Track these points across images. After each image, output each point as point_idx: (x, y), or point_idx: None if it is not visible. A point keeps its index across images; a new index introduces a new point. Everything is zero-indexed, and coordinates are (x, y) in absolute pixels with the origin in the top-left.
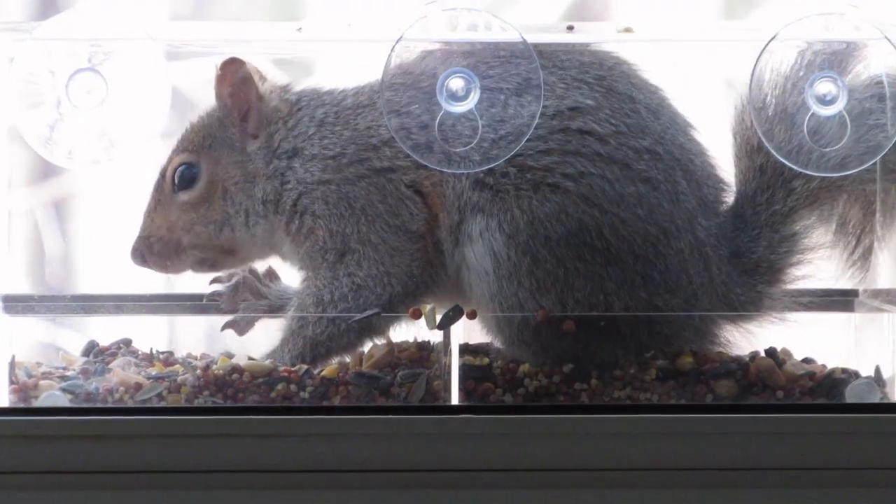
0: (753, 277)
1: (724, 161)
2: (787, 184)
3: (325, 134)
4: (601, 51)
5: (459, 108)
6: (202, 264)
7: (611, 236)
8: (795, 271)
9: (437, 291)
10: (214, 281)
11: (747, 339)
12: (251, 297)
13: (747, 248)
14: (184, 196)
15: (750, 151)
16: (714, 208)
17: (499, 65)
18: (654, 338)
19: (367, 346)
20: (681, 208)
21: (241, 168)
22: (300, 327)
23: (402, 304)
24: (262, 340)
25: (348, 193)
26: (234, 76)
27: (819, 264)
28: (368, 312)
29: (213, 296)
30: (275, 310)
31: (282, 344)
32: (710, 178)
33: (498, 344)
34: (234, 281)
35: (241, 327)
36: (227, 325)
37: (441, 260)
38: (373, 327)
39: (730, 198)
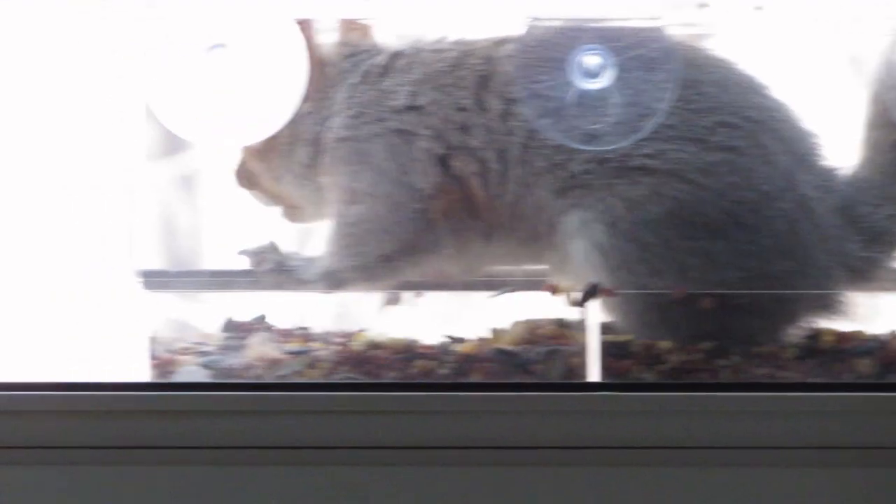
0: (871, 243)
1: (815, 115)
2: None
3: (353, 94)
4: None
5: (593, 85)
6: (284, 211)
7: (710, 209)
8: None
9: (434, 263)
10: (242, 252)
11: (880, 309)
12: (273, 256)
13: (869, 214)
14: (256, 143)
15: (887, 123)
16: (810, 161)
17: (633, 44)
18: (776, 307)
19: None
20: (775, 168)
21: (292, 129)
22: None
23: (395, 262)
24: (400, 318)
25: (363, 150)
26: (305, 37)
27: None
28: (507, 289)
29: (242, 252)
30: (288, 270)
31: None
32: (799, 133)
33: (628, 326)
34: (260, 245)
35: (394, 301)
36: (384, 304)
37: (452, 237)
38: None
39: (825, 149)
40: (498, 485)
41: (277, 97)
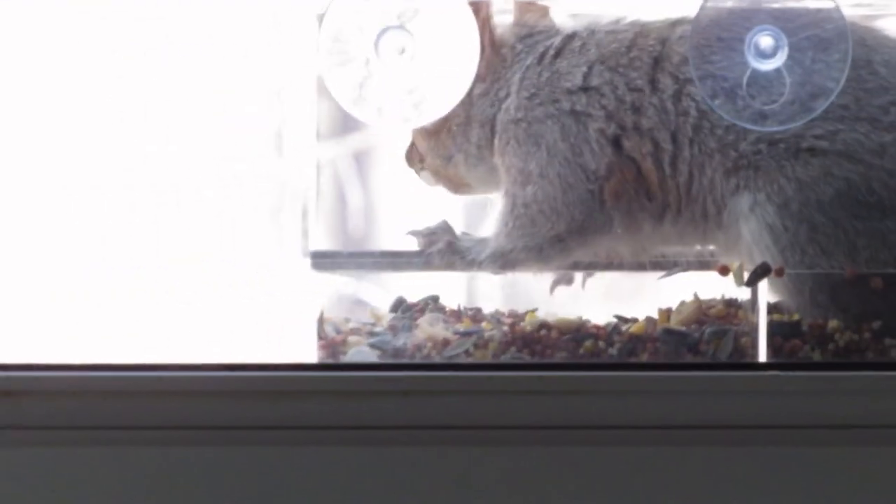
0: None
1: None
2: None
3: (527, 76)
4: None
5: (767, 65)
6: (447, 186)
7: (881, 189)
8: None
9: (604, 244)
10: (411, 233)
11: None
12: (444, 236)
13: None
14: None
15: None
16: None
17: (807, 23)
18: None
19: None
20: None
21: (466, 110)
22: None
23: (566, 242)
24: (568, 301)
25: (537, 132)
26: (480, 20)
27: None
28: (676, 269)
29: (411, 233)
30: (459, 251)
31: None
32: None
33: (797, 306)
34: (430, 227)
35: (567, 281)
36: (555, 284)
37: (623, 218)
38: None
39: None
40: (668, 466)
41: (451, 78)
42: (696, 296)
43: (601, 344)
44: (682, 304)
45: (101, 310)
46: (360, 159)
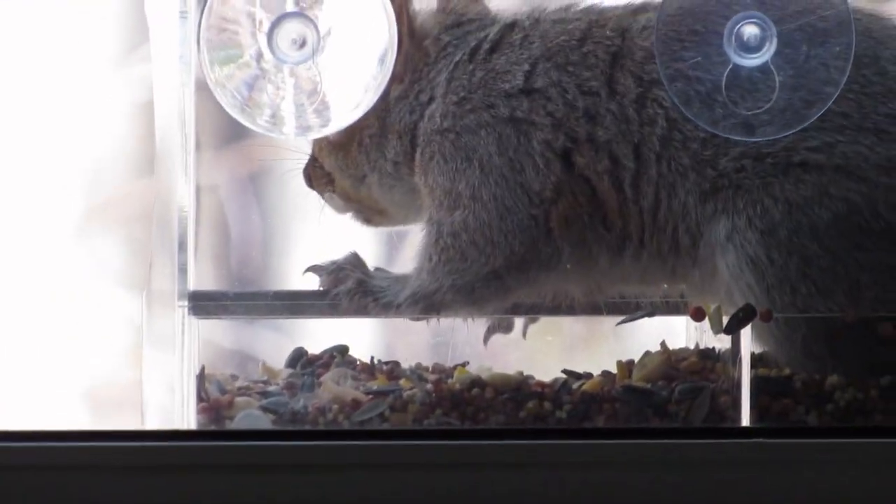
0: None
1: None
2: None
3: (456, 75)
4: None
5: (752, 60)
6: (358, 216)
7: (888, 213)
8: None
9: (551, 282)
10: (311, 269)
11: None
12: (354, 273)
13: None
14: (332, 135)
15: None
16: None
17: (800, 10)
18: None
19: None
20: None
21: (380, 118)
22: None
23: (504, 280)
24: (508, 351)
25: (467, 144)
26: (397, 5)
27: None
28: (639, 314)
29: (313, 269)
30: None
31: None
32: None
33: (787, 358)
34: (336, 261)
35: (504, 328)
36: (490, 332)
37: (574, 250)
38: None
39: None
40: None
41: (361, 78)
42: (663, 345)
43: (547, 405)
44: (647, 355)
45: None
46: (252, 179)
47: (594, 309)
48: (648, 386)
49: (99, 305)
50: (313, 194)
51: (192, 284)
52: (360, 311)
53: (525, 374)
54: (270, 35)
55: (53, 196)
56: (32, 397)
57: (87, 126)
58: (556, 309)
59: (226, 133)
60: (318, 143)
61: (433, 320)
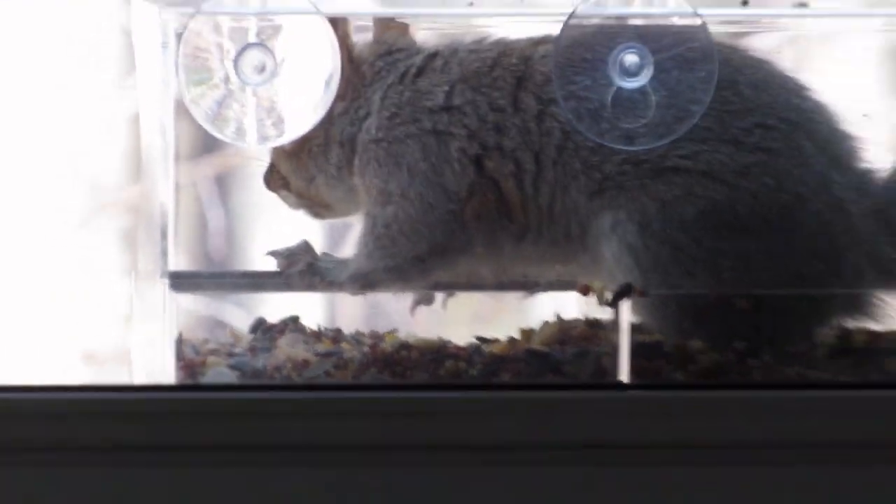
0: None
1: (854, 116)
2: None
3: (388, 94)
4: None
5: (632, 83)
6: (308, 211)
7: (743, 210)
8: None
9: (465, 264)
10: (270, 253)
11: None
12: (305, 257)
13: None
14: (286, 144)
15: None
16: (847, 163)
17: (672, 41)
18: (808, 308)
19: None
20: (810, 170)
21: (325, 130)
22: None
23: (427, 263)
24: (429, 319)
25: (398, 152)
26: (339, 36)
27: None
28: (537, 290)
29: (271, 253)
30: (320, 272)
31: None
32: (836, 135)
33: (659, 327)
34: (289, 247)
35: (427, 301)
36: (416, 304)
37: (484, 239)
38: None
39: (864, 151)
40: (525, 485)
41: (310, 97)
42: (558, 316)
43: (462, 364)
44: (545, 324)
45: None
46: (221, 180)
47: (501, 286)
48: (546, 349)
49: (99, 282)
50: (271, 193)
51: (172, 266)
52: (309, 288)
53: (444, 339)
54: (236, 62)
55: (64, 193)
56: (43, 356)
57: (91, 136)
58: (469, 286)
59: (200, 143)
60: (275, 151)
61: (369, 295)
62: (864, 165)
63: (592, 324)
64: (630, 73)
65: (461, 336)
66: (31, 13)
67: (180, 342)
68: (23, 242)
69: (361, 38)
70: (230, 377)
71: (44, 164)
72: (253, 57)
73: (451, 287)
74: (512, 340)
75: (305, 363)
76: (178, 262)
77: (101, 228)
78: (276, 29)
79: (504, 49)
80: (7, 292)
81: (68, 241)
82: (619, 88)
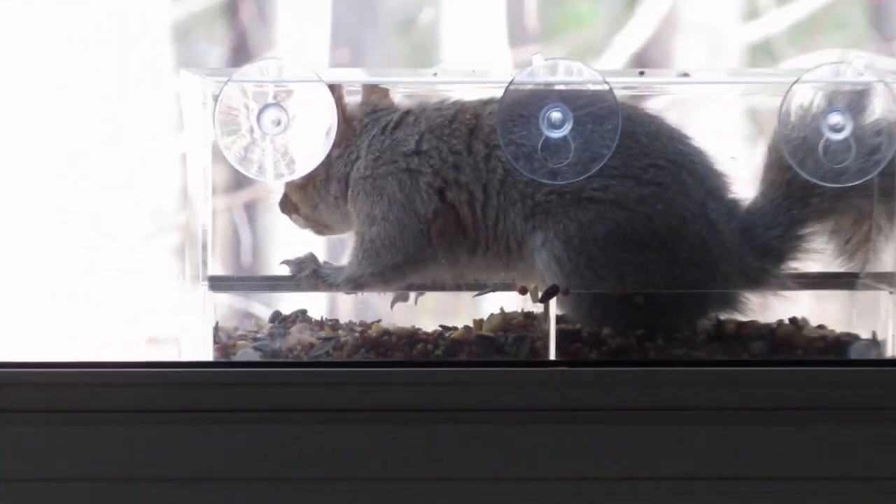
0: (762, 257)
1: (724, 158)
2: (807, 198)
3: (373, 143)
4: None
5: (557, 134)
6: (313, 230)
7: (641, 229)
8: (794, 260)
9: (432, 271)
10: (284, 262)
11: (768, 305)
12: (310, 265)
13: (761, 234)
14: (296, 179)
15: (780, 167)
16: (720, 194)
17: (587, 102)
18: (691, 303)
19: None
20: (691, 199)
21: (326, 169)
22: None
23: (403, 269)
24: (404, 312)
25: (380, 185)
26: (336, 99)
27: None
28: (486, 290)
29: (285, 262)
30: (322, 276)
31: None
32: (711, 172)
33: (578, 318)
34: (299, 257)
35: (403, 298)
36: (394, 301)
37: (445, 251)
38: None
39: (732, 184)
40: (477, 441)
41: (314, 144)
42: (502, 310)
43: (430, 347)
44: (492, 316)
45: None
46: (249, 207)
47: (459, 287)
48: (493, 335)
49: (159, 284)
50: (285, 216)
51: (211, 272)
52: (314, 289)
53: (416, 327)
54: (258, 117)
55: (134, 217)
56: (118, 340)
57: (153, 174)
58: (435, 287)
59: (232, 179)
60: (288, 185)
61: (360, 294)
62: (732, 196)
63: (528, 315)
64: (555, 125)
65: (429, 325)
66: (109, 83)
67: (217, 329)
68: (104, 256)
69: (352, 99)
70: (254, 356)
71: (119, 196)
72: (271, 114)
73: (421, 288)
74: (467, 328)
75: (311, 346)
76: (216, 268)
77: (161, 244)
78: (289, 93)
79: (460, 108)
80: (93, 292)
81: (137, 254)
82: (547, 137)
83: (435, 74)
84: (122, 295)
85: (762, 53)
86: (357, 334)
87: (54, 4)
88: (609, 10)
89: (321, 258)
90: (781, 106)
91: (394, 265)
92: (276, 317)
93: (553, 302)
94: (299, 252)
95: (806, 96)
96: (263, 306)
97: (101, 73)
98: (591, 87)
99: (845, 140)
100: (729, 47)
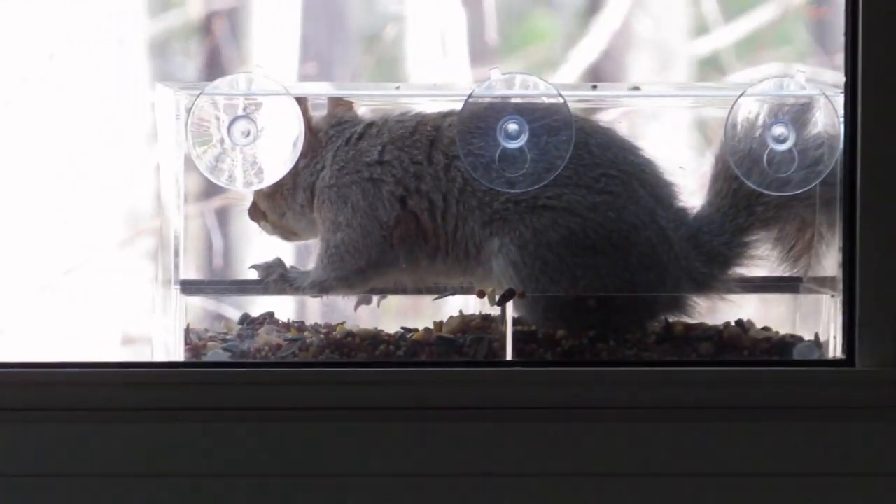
0: (709, 262)
1: (673, 168)
2: (752, 206)
3: (338, 153)
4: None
5: (513, 144)
6: (281, 236)
7: (594, 235)
8: (739, 266)
9: (394, 276)
10: (253, 267)
11: (716, 308)
12: (278, 269)
13: (709, 241)
14: (265, 188)
15: (727, 177)
16: (669, 202)
17: (542, 114)
18: (641, 306)
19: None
20: (641, 207)
21: (293, 178)
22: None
23: (366, 274)
24: (368, 315)
25: (345, 194)
26: (302, 111)
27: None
28: (446, 294)
29: (253, 267)
30: (289, 280)
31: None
32: (661, 181)
33: (534, 320)
34: (267, 262)
35: (367, 301)
36: (358, 304)
37: (407, 256)
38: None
39: (680, 193)
40: (435, 437)
41: (282, 154)
42: (461, 312)
43: (392, 347)
44: (451, 318)
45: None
46: (220, 214)
47: (419, 291)
48: (452, 336)
49: (133, 288)
50: (254, 223)
51: (183, 275)
52: (281, 292)
53: (378, 329)
54: (229, 129)
55: (110, 222)
56: (92, 340)
57: (130, 181)
58: (397, 290)
59: (204, 187)
60: (257, 193)
61: (325, 297)
62: (680, 204)
63: (486, 318)
64: (512, 137)
65: (391, 327)
66: (90, 93)
67: (188, 331)
68: (78, 258)
69: (318, 112)
70: (224, 357)
71: (96, 200)
72: (241, 125)
73: (383, 291)
74: (427, 330)
75: (278, 346)
76: (188, 272)
77: (136, 248)
78: (258, 105)
79: (421, 119)
80: (67, 295)
81: (112, 257)
82: (504, 148)
83: (397, 88)
84: (100, 296)
85: (711, 67)
86: (322, 336)
87: (35, 17)
88: (565, 25)
89: (288, 263)
90: (728, 118)
91: (357, 270)
92: (245, 319)
93: (510, 305)
94: (268, 257)
95: (751, 109)
96: (234, 309)
97: (82, 84)
98: (546, 99)
99: (789, 151)
100: (679, 61)
